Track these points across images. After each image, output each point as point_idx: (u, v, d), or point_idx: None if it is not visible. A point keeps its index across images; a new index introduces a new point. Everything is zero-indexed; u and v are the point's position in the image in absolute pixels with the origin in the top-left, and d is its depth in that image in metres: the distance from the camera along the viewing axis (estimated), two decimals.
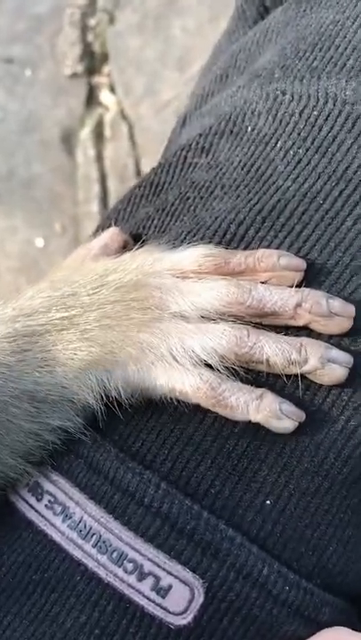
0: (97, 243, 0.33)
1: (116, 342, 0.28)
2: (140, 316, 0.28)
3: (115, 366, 0.28)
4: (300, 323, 0.28)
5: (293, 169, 0.30)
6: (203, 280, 0.28)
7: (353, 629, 0.29)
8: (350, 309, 0.27)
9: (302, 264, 0.28)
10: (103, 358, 0.28)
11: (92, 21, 1.28)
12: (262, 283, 0.28)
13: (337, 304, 0.27)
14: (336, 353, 0.27)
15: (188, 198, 0.33)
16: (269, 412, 0.27)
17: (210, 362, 0.28)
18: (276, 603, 0.28)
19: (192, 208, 0.33)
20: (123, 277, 0.28)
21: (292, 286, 0.28)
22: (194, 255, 0.29)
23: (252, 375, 0.29)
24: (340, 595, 0.31)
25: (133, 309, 0.28)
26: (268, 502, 0.29)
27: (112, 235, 0.34)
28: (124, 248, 0.33)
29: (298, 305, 0.27)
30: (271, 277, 0.28)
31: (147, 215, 0.35)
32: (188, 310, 0.28)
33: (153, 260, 0.29)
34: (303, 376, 0.28)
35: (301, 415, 0.28)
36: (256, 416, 0.28)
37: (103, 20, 1.27)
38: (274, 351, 0.27)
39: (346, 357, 0.27)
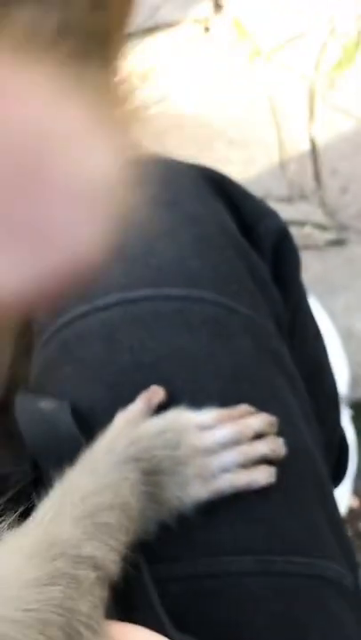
0: (136, 409, 0.45)
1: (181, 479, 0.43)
2: (184, 461, 0.44)
3: (182, 493, 0.43)
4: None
5: None
6: (217, 427, 0.45)
7: None
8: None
9: (247, 408, 0.47)
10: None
11: None
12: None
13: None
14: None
15: None
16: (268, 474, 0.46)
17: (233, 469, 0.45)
18: None
19: None
20: (169, 437, 0.43)
21: None
22: (210, 416, 0.45)
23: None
24: None
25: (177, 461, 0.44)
26: None
27: (148, 400, 0.45)
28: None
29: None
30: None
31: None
32: (214, 448, 0.44)
33: (185, 421, 0.45)
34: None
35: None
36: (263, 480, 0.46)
37: None
38: (262, 449, 0.46)
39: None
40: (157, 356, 0.47)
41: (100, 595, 0.37)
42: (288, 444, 0.47)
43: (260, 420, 0.46)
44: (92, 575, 0.36)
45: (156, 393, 0.46)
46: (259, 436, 0.46)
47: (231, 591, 0.40)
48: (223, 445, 0.44)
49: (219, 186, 0.58)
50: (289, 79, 1.43)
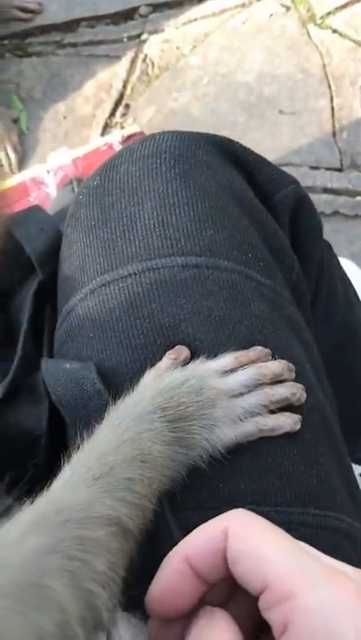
0: (164, 366, 0.47)
1: (207, 421, 0.44)
2: (210, 405, 0.45)
3: (211, 435, 0.44)
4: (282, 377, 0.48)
5: None
6: (238, 371, 0.46)
7: None
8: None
9: (262, 349, 0.48)
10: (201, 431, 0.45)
11: None
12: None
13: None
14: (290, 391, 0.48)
15: None
16: (293, 421, 0.47)
17: (259, 411, 0.46)
18: None
19: None
20: (193, 384, 0.45)
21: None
22: (228, 359, 0.47)
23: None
24: None
25: (202, 405, 0.45)
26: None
27: (175, 356, 0.47)
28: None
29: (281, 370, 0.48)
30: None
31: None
32: (236, 390, 0.46)
33: (206, 368, 0.46)
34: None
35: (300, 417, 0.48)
36: (289, 426, 0.47)
37: None
38: (283, 392, 0.46)
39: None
40: (177, 320, 0.47)
41: (119, 550, 0.38)
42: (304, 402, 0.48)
43: (278, 364, 0.47)
44: (103, 533, 0.37)
45: (182, 350, 0.47)
46: (279, 382, 0.47)
47: None
48: (245, 387, 0.46)
49: (234, 155, 0.58)
50: (343, 46, 1.40)
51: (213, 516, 0.43)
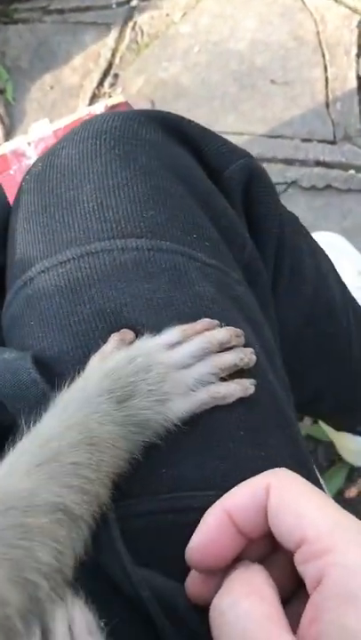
0: (109, 349, 0.46)
1: (158, 397, 0.44)
2: (159, 380, 0.44)
3: (164, 408, 0.43)
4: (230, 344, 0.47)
5: None
6: (184, 343, 0.46)
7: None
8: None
9: (209, 320, 0.47)
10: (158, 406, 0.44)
11: None
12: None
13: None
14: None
15: None
16: (244, 387, 0.46)
17: (210, 380, 0.45)
18: None
19: None
20: (139, 362, 0.43)
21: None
22: (174, 333, 0.46)
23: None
24: None
25: (151, 381, 0.44)
26: None
27: (120, 339, 0.46)
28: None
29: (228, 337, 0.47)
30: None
31: None
32: (185, 361, 0.45)
33: (152, 344, 0.45)
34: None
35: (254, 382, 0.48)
36: (240, 392, 0.46)
37: None
38: (232, 359, 0.46)
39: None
40: (118, 304, 0.47)
41: (67, 539, 0.37)
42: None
43: (224, 331, 0.46)
44: (46, 521, 0.36)
45: (127, 333, 0.46)
46: (227, 349, 0.47)
47: (193, 526, 0.39)
48: (194, 357, 0.45)
49: (180, 132, 0.57)
50: (338, 12, 1.36)
51: (156, 504, 0.43)
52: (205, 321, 0.47)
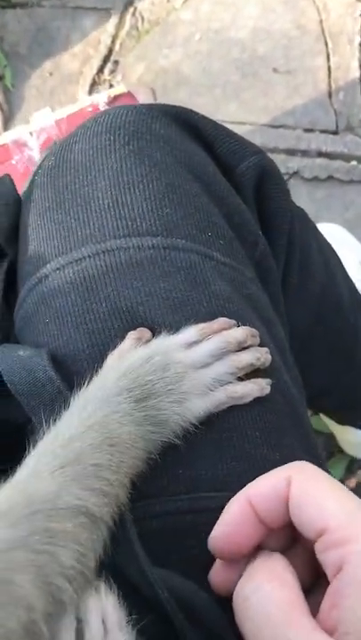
0: (126, 347, 0.46)
1: (177, 396, 0.44)
2: (177, 379, 0.44)
3: (182, 409, 0.43)
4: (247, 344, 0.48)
5: None
6: (202, 342, 0.46)
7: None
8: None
9: (226, 320, 0.47)
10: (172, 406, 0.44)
11: None
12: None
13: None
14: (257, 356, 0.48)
15: None
16: (261, 386, 0.47)
17: (228, 379, 0.46)
18: None
19: None
20: (157, 360, 0.43)
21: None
22: (192, 332, 0.46)
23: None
24: None
25: (169, 380, 0.44)
26: None
27: (137, 337, 0.46)
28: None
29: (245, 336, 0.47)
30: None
31: None
32: (203, 361, 0.45)
33: (169, 343, 0.45)
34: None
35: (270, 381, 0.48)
36: (257, 391, 0.46)
37: None
38: (249, 358, 0.46)
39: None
40: (134, 303, 0.47)
41: (88, 541, 0.37)
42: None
43: (241, 331, 0.47)
44: (70, 525, 0.36)
45: (144, 332, 0.46)
46: (243, 349, 0.47)
47: (212, 526, 0.40)
48: (212, 356, 0.45)
49: (193, 127, 0.56)
50: (341, 2, 1.34)
51: (174, 505, 0.43)
52: (222, 320, 0.47)
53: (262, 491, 0.38)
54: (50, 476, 0.38)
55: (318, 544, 0.36)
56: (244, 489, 0.39)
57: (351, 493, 0.37)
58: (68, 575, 0.36)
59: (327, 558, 0.35)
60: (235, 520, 0.39)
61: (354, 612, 0.33)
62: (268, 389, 0.47)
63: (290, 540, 0.40)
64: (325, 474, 0.38)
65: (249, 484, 0.39)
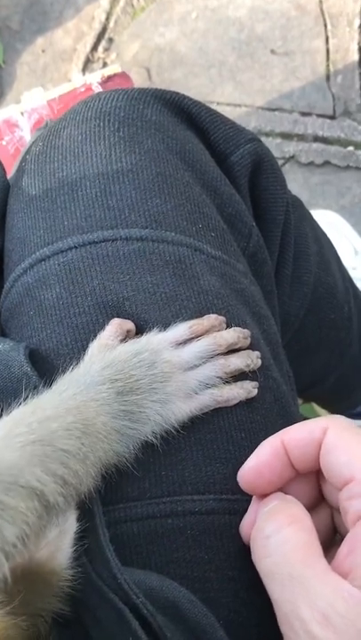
0: (107, 334, 0.45)
1: (160, 396, 0.43)
2: (163, 379, 0.43)
3: (164, 410, 0.43)
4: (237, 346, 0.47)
5: None
6: (192, 342, 0.45)
7: None
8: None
9: (216, 316, 0.46)
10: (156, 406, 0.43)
11: None
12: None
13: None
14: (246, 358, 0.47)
15: None
16: (247, 390, 0.46)
17: (214, 383, 0.45)
18: None
19: None
20: (145, 357, 0.43)
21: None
22: (182, 330, 0.45)
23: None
24: None
25: (154, 379, 0.43)
26: None
27: (119, 325, 0.45)
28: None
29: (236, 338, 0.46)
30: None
31: None
32: (191, 362, 0.44)
33: (158, 340, 0.44)
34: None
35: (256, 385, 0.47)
36: (244, 395, 0.46)
37: None
38: (238, 364, 0.45)
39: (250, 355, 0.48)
40: (120, 298, 0.45)
41: (35, 525, 0.36)
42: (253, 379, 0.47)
43: (233, 333, 0.46)
44: (23, 505, 0.36)
45: (126, 321, 0.45)
46: (233, 351, 0.46)
47: (193, 530, 0.40)
48: (200, 358, 0.44)
49: (186, 113, 0.55)
50: None
51: (156, 507, 0.43)
52: (213, 317, 0.46)
53: (297, 434, 0.40)
54: (20, 449, 0.37)
55: (343, 492, 0.37)
56: (280, 431, 0.41)
57: None
58: (7, 552, 0.35)
59: (350, 506, 0.37)
60: (266, 456, 0.41)
61: None
62: (254, 392, 0.46)
63: (312, 500, 0.42)
64: (359, 430, 0.40)
65: (284, 430, 0.41)
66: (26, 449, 0.37)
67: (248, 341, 0.47)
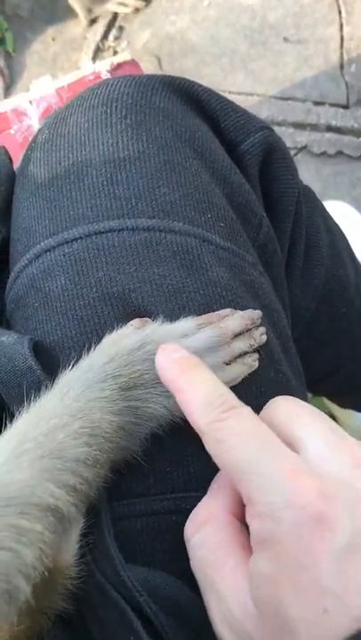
0: (126, 329, 0.44)
1: (164, 389, 0.41)
2: None
3: (170, 403, 0.41)
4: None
5: None
6: (197, 333, 0.44)
7: None
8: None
9: (227, 311, 0.45)
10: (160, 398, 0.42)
11: None
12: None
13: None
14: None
15: None
16: (249, 365, 0.45)
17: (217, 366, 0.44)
18: None
19: None
20: (149, 350, 0.42)
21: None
22: (189, 324, 0.44)
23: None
24: None
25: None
26: None
27: (143, 322, 0.44)
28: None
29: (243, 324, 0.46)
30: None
31: None
32: (196, 354, 0.42)
33: (164, 332, 0.43)
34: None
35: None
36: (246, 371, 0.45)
37: None
38: (242, 347, 0.45)
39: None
40: (126, 289, 0.44)
41: (52, 540, 0.36)
42: (263, 373, 0.46)
43: (240, 320, 0.45)
44: (40, 526, 0.35)
45: (145, 320, 0.44)
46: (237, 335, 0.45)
47: None
48: (205, 350, 0.43)
49: (196, 100, 0.53)
50: None
51: (160, 504, 0.42)
52: (223, 313, 0.45)
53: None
54: (29, 468, 0.36)
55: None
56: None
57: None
58: (27, 574, 0.34)
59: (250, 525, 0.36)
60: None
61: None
62: (255, 365, 0.45)
63: None
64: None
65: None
66: (35, 466, 0.37)
67: (258, 322, 0.46)
